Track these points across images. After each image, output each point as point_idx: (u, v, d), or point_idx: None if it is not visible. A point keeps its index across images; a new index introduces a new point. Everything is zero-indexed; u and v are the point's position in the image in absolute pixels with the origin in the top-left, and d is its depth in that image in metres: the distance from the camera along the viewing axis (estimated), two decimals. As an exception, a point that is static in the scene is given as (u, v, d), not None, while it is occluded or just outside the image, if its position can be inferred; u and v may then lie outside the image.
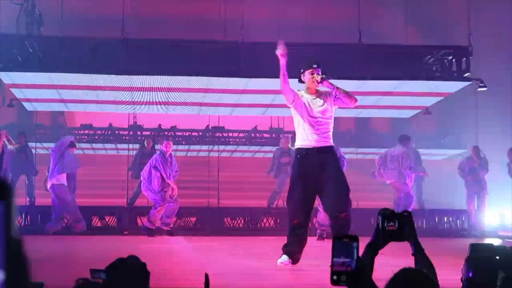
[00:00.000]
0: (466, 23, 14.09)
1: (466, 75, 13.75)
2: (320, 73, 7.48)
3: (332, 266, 2.32)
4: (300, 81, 7.73)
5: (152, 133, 17.29)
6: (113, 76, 13.13)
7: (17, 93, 14.83)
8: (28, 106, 16.35)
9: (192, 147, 18.25)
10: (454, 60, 13.78)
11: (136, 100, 15.34)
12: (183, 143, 18.01)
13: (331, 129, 7.57)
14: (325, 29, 17.30)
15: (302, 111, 7.44)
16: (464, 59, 13.72)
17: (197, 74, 13.25)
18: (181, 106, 16.00)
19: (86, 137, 17.42)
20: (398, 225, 2.99)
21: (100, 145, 18.07)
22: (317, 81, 7.44)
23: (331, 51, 13.29)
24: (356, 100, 7.57)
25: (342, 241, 2.33)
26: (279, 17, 15.05)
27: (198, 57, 13.21)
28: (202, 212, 15.47)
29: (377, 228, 3.02)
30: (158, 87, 14.11)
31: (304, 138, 7.39)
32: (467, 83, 13.96)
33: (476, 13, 14.40)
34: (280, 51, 7.45)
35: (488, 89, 14.61)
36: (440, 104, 16.91)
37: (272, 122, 18.45)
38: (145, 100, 15.37)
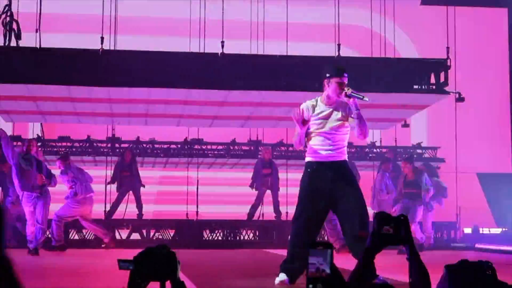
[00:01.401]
0: (445, 37, 14.19)
1: (444, 88, 13.82)
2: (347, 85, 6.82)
3: (307, 274, 2.31)
4: (321, 85, 6.99)
5: (131, 145, 17.22)
6: (91, 87, 13.07)
7: (-5, 104, 14.73)
8: (6, 118, 16.24)
9: (170, 159, 18.18)
10: (432, 73, 13.84)
11: (114, 112, 15.27)
12: (162, 155, 17.94)
13: (346, 144, 6.90)
14: (305, 40, 17.38)
15: (317, 124, 6.79)
16: (443, 72, 13.78)
17: (177, 86, 13.22)
18: (160, 118, 15.95)
19: (64, 149, 17.30)
20: (394, 229, 2.97)
21: (78, 158, 17.95)
22: (346, 93, 6.75)
23: (309, 64, 13.31)
24: (366, 135, 6.90)
25: (316, 249, 2.32)
26: (258, 28, 15.11)
27: (177, 69, 13.18)
28: (180, 224, 15.45)
29: (373, 232, 3.00)
30: (137, 99, 14.06)
31: (316, 151, 6.76)
32: (445, 96, 14.03)
33: (454, 27, 14.49)
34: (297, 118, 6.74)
35: (467, 101, 14.70)
36: (419, 116, 17.00)
37: (251, 135, 18.43)
38: (123, 112, 15.31)
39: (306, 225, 6.70)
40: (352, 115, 6.80)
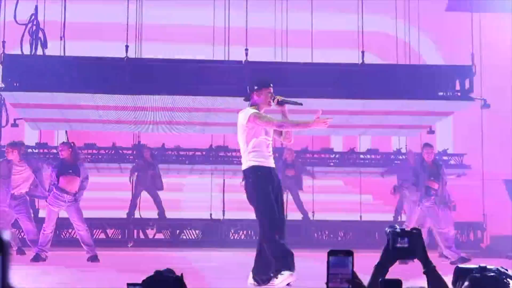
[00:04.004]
0: (470, 43, 14.12)
1: (469, 94, 13.74)
2: None
3: (327, 282, 2.30)
4: (247, 99, 7.52)
5: (156, 152, 17.28)
6: (116, 95, 13.15)
7: (21, 112, 14.85)
8: (32, 126, 16.38)
9: (195, 166, 18.23)
10: (457, 79, 13.77)
11: (139, 119, 15.35)
12: (187, 162, 17.99)
13: None
14: (329, 47, 17.38)
15: (260, 132, 7.16)
16: (468, 78, 13.71)
17: (201, 94, 13.25)
18: (184, 125, 16.00)
19: (90, 156, 17.40)
20: (409, 242, 2.92)
21: (104, 165, 18.06)
22: (277, 100, 7.23)
23: (333, 71, 13.31)
24: (292, 140, 7.49)
25: (337, 257, 2.30)
26: (282, 35, 15.13)
27: (201, 77, 13.22)
28: (205, 224, 15.61)
29: (386, 246, 2.95)
30: (162, 107, 14.11)
31: (262, 157, 7.13)
32: (470, 103, 13.95)
33: (479, 34, 14.41)
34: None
35: (492, 108, 14.59)
36: (444, 123, 16.91)
37: (275, 141, 18.43)
38: (148, 120, 15.38)
39: (282, 230, 7.12)
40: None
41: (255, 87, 7.36)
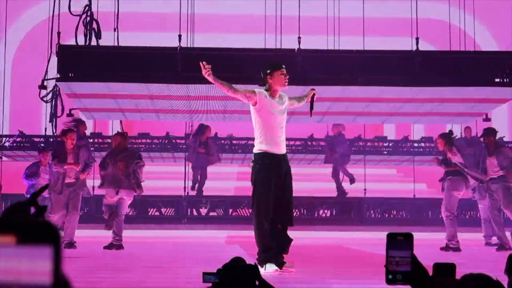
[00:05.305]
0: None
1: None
2: None
3: (387, 265, 2.27)
4: (262, 84, 7.65)
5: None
6: (169, 85, 13.22)
7: (76, 102, 15.03)
8: (87, 116, 16.57)
9: (248, 155, 18.28)
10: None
11: (193, 108, 15.42)
12: (240, 151, 18.05)
13: None
14: (382, 35, 17.23)
15: (268, 115, 7.32)
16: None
17: (254, 83, 13.23)
18: (238, 114, 16.03)
19: (143, 145, 17.58)
20: None
21: (157, 154, 18.21)
22: (312, 95, 7.72)
23: (387, 58, 13.18)
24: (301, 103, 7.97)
25: (396, 239, 2.27)
26: (334, 23, 15.05)
27: (254, 66, 13.20)
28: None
29: None
30: (215, 96, 14.15)
31: (271, 143, 7.26)
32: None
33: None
34: (204, 72, 7.57)
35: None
36: (500, 110, 16.66)
37: (328, 130, 18.37)
38: (201, 109, 15.44)
39: (271, 207, 7.30)
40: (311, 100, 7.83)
41: (268, 71, 7.52)
